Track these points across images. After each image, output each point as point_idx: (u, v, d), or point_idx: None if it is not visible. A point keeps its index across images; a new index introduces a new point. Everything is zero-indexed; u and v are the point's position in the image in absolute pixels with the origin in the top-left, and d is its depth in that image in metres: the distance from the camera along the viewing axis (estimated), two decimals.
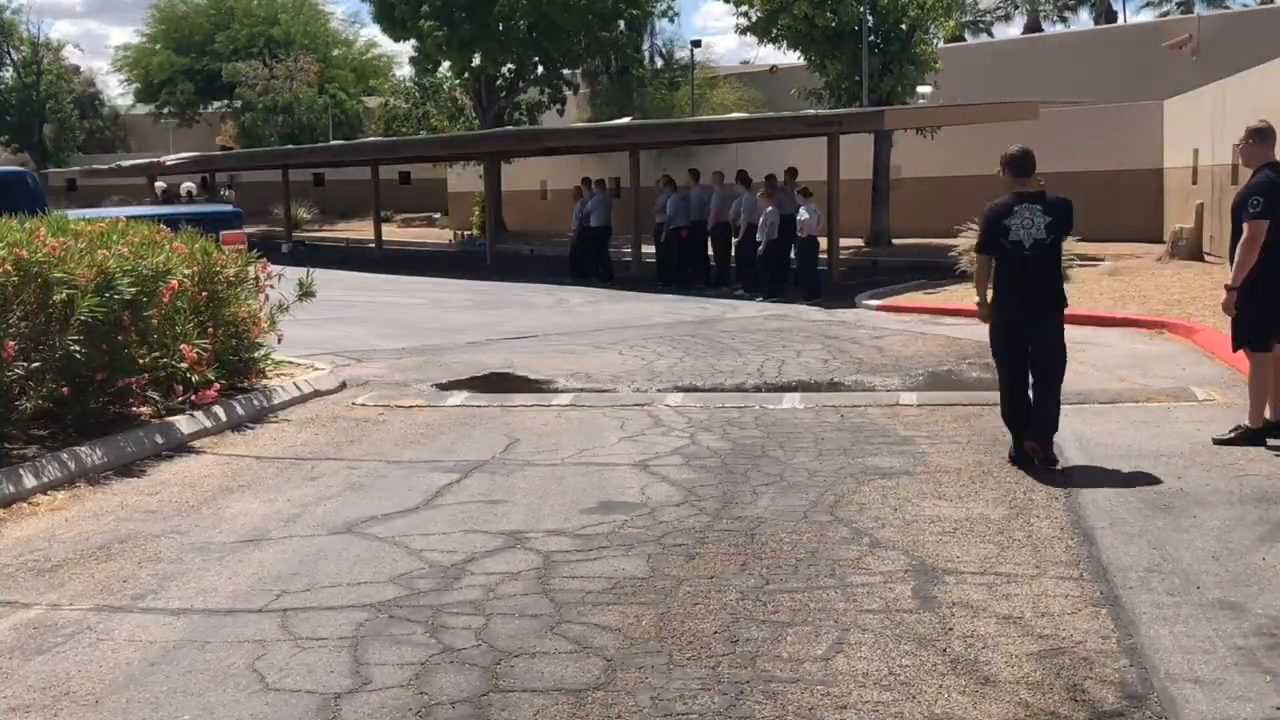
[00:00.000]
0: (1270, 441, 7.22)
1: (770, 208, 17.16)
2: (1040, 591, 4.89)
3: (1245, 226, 7.11)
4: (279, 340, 10.07)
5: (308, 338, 12.00)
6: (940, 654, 4.28)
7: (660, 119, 32.27)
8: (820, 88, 27.29)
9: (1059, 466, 6.89)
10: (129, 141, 61.26)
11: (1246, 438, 7.26)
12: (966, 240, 18.15)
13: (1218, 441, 7.30)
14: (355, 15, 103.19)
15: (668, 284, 19.34)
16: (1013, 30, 61.17)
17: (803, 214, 16.94)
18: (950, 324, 13.90)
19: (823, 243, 18.30)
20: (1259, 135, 7.36)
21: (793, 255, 17.59)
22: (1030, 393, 7.08)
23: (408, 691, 4.07)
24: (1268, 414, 7.30)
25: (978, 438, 7.73)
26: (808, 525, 5.87)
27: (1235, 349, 7.68)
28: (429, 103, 39.23)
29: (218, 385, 8.63)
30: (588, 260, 21.59)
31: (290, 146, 43.13)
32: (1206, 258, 18.64)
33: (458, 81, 38.57)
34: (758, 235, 17.28)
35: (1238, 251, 7.17)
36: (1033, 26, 57.21)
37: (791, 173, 19.19)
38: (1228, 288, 7.29)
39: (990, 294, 7.24)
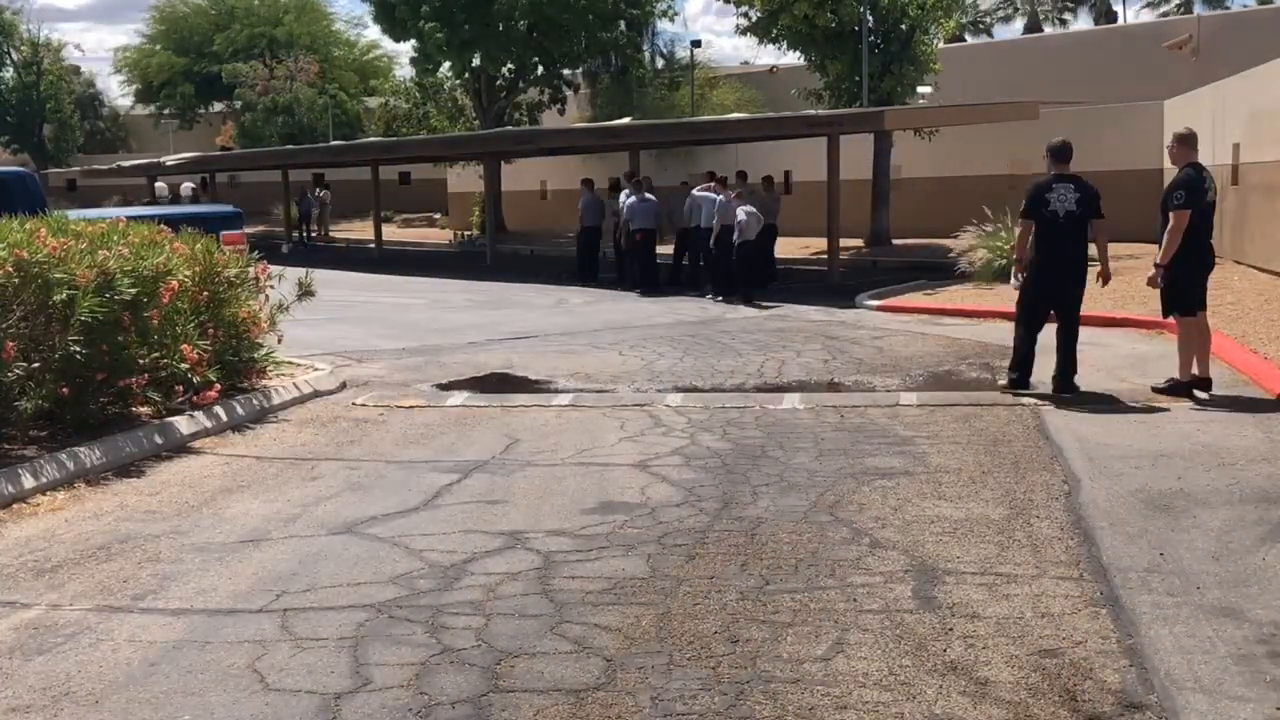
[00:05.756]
0: (1197, 394, 8.67)
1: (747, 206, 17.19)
2: (1040, 592, 4.89)
3: (1171, 216, 8.63)
4: (279, 340, 10.07)
5: (308, 338, 12.01)
6: (940, 655, 4.28)
7: (660, 119, 32.27)
8: (820, 88, 27.29)
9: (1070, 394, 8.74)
10: (129, 142, 61.29)
11: (1176, 390, 8.78)
12: (966, 241, 18.22)
13: (1155, 390, 8.90)
14: (358, 18, 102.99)
15: (632, 287, 19.20)
16: (1013, 30, 61.25)
17: (740, 215, 16.93)
18: (950, 324, 13.91)
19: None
20: (1182, 140, 9.00)
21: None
22: (1056, 338, 8.97)
23: (408, 692, 4.07)
24: (1195, 370, 8.78)
25: (978, 438, 7.73)
26: (808, 525, 5.87)
27: (1165, 316, 9.35)
28: (429, 103, 39.21)
29: (218, 385, 8.63)
30: (640, 266, 19.60)
31: (290, 147, 43.11)
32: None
33: (458, 82, 38.56)
34: (734, 236, 17.19)
35: (1165, 236, 8.69)
36: (1033, 26, 57.26)
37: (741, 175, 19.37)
38: (1156, 265, 8.82)
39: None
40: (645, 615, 4.71)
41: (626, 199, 19.40)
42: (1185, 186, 8.67)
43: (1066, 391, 8.87)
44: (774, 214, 19.83)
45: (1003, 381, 9.19)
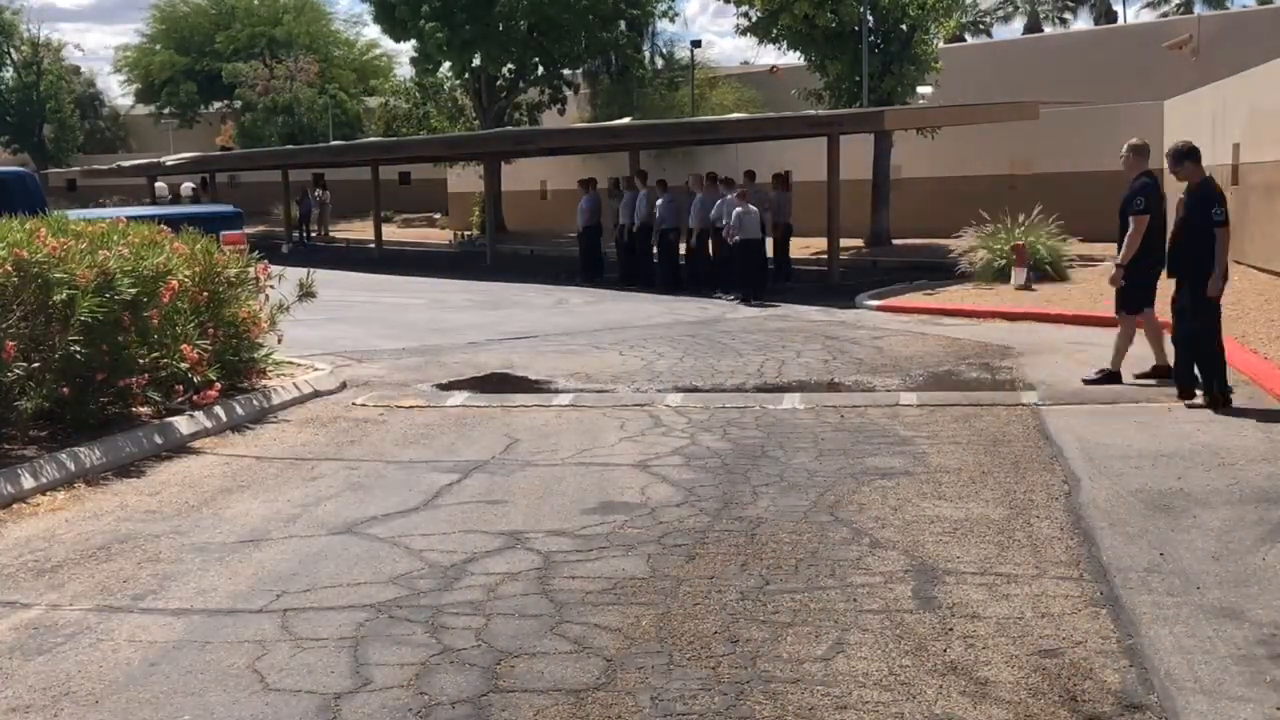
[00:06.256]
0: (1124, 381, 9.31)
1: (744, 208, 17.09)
2: (1040, 592, 4.89)
3: (1132, 220, 9.13)
4: (279, 340, 10.07)
5: (308, 338, 12.01)
6: (940, 655, 4.28)
7: (660, 119, 32.27)
8: (820, 88, 27.29)
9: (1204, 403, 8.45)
10: (129, 142, 61.30)
11: (1107, 378, 9.40)
12: (966, 241, 18.21)
13: (1086, 381, 9.46)
14: (357, 17, 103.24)
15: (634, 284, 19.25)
16: (1013, 30, 61.28)
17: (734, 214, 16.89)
18: (950, 324, 13.90)
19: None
20: (1136, 150, 9.54)
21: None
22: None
23: (408, 692, 4.08)
24: (1155, 361, 9.48)
25: (978, 438, 7.73)
26: (808, 525, 5.87)
27: (1117, 312, 9.67)
28: (429, 103, 39.22)
29: (218, 385, 8.63)
30: (663, 267, 19.34)
31: (290, 146, 43.11)
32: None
33: (458, 82, 38.57)
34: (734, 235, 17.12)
35: (1126, 239, 9.17)
36: (1033, 26, 57.28)
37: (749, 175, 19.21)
38: (1117, 265, 9.30)
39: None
40: (645, 615, 4.71)
41: (655, 198, 19.25)
42: (1144, 193, 9.16)
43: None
44: (787, 213, 19.77)
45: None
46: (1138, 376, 9.40)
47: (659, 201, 18.96)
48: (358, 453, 7.83)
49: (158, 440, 7.94)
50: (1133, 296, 9.39)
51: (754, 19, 26.44)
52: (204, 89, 55.20)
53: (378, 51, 59.69)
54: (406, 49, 39.28)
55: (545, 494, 6.63)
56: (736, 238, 16.80)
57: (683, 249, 19.18)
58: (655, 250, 19.47)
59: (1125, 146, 9.66)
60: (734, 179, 18.59)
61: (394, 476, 7.15)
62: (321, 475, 7.23)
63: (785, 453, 7.47)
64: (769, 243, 18.62)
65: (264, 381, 9.81)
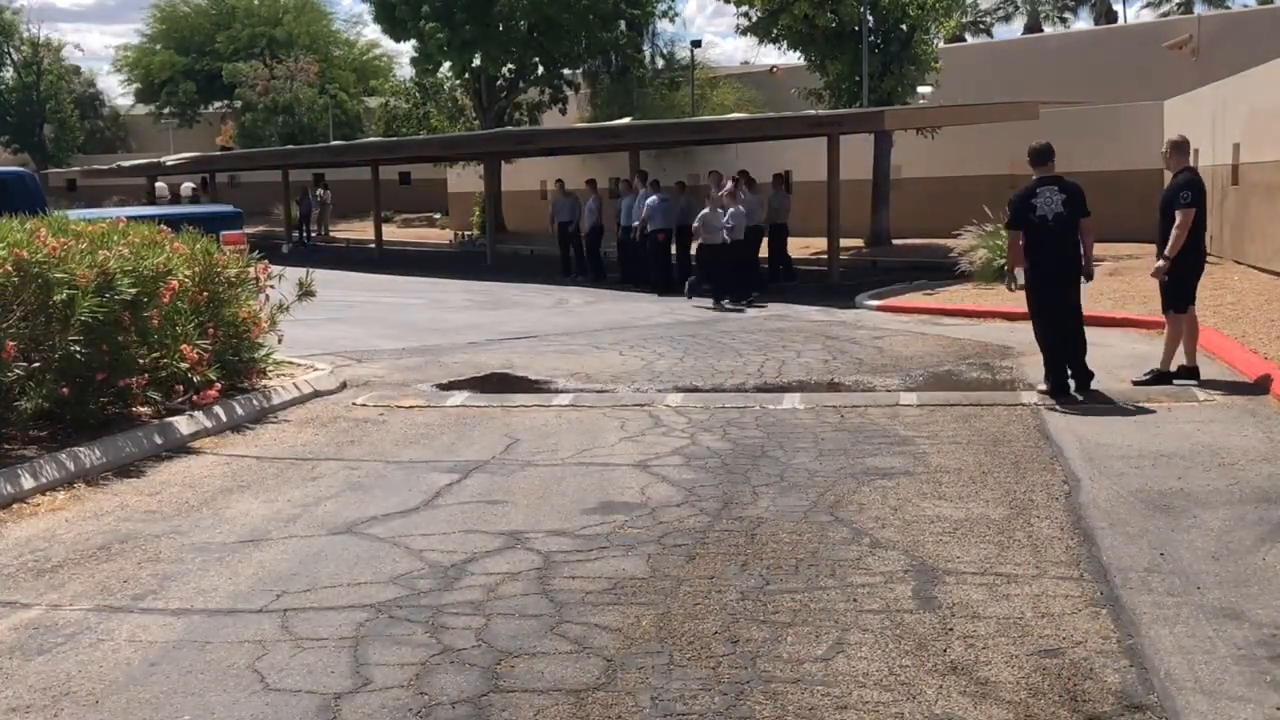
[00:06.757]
0: (1176, 380, 9.21)
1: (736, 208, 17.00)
2: (1040, 592, 4.89)
3: (1178, 214, 8.95)
4: (279, 340, 10.07)
5: (308, 338, 12.01)
6: (940, 655, 4.28)
7: (660, 119, 32.25)
8: (820, 88, 27.29)
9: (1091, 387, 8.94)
10: (129, 142, 61.30)
11: (1158, 379, 9.25)
12: (966, 241, 18.21)
13: (1136, 383, 9.26)
14: (357, 17, 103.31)
15: (634, 285, 19.28)
16: (1013, 30, 61.27)
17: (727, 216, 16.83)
18: (950, 324, 13.90)
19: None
20: (1176, 146, 9.49)
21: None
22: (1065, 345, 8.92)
23: (408, 692, 4.08)
24: (1183, 360, 9.33)
25: (978, 438, 7.72)
26: (808, 525, 5.87)
27: (1165, 311, 9.47)
28: (429, 103, 39.21)
29: (218, 385, 8.63)
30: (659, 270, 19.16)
31: (290, 146, 43.11)
32: (1207, 258, 18.63)
33: (458, 82, 38.56)
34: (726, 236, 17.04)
35: (1173, 234, 9.00)
36: (1033, 26, 57.27)
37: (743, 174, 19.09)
38: (1164, 258, 9.11)
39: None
40: (645, 615, 4.71)
41: (646, 199, 19.14)
42: (1190, 188, 9.05)
43: (1083, 398, 8.82)
44: (784, 213, 19.73)
45: (1043, 388, 9.01)
46: (1136, 383, 9.30)
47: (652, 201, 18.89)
48: (358, 453, 7.83)
49: (158, 440, 7.94)
50: (1180, 293, 9.29)
51: (754, 19, 26.43)
52: (204, 89, 55.20)
53: (378, 51, 59.73)
54: (406, 49, 39.35)
55: (545, 494, 6.63)
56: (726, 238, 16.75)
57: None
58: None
59: (1165, 143, 9.68)
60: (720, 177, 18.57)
61: (394, 476, 7.15)
62: (321, 475, 7.24)
63: (785, 453, 7.47)
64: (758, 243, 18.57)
65: (264, 381, 9.81)
